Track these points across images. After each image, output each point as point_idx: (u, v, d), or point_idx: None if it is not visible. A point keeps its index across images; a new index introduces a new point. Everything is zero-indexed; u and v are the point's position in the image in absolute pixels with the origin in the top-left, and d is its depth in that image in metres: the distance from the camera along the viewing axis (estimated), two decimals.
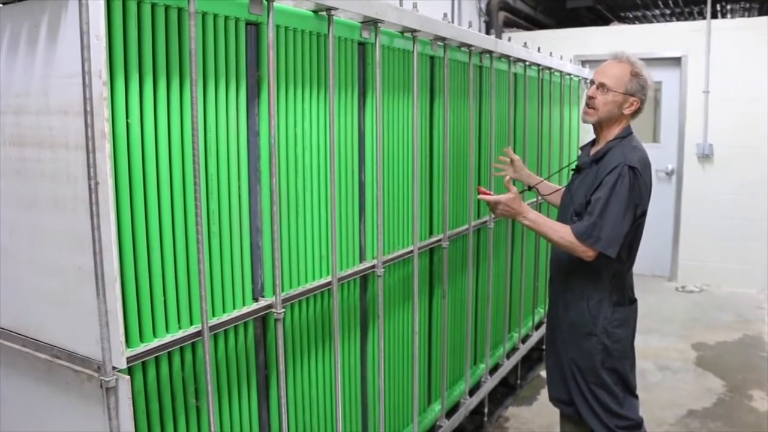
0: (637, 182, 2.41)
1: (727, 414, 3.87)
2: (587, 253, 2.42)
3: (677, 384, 4.32)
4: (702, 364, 4.67)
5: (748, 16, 7.98)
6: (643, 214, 2.49)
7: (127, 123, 1.50)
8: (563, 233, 2.44)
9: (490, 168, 3.42)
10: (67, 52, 1.47)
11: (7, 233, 1.75)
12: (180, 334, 1.67)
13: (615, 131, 2.56)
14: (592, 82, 2.56)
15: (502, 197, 2.54)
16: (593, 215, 2.39)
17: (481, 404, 3.57)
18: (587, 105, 2.57)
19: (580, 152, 2.83)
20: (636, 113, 2.56)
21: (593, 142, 2.69)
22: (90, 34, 1.38)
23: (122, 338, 1.50)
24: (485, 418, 3.66)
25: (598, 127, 2.60)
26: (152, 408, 1.64)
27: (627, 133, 2.55)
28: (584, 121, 2.63)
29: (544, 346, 2.95)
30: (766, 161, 6.28)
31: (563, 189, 2.96)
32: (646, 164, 2.48)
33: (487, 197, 2.58)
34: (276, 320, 1.95)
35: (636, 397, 2.67)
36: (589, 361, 2.57)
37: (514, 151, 3.76)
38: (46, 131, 1.57)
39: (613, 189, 2.38)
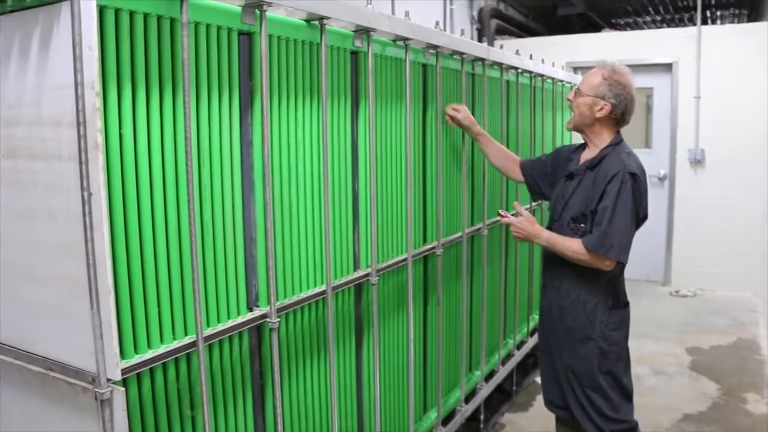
0: (638, 188, 2.48)
1: (723, 417, 3.88)
2: (604, 262, 2.47)
3: (672, 388, 4.33)
4: (697, 368, 4.68)
5: (738, 22, 8.04)
6: (645, 217, 2.55)
7: (120, 134, 1.50)
8: (576, 248, 2.50)
9: (483, 175, 3.43)
10: (59, 62, 1.46)
11: (0, 245, 1.74)
12: (174, 344, 1.66)
13: (605, 138, 2.61)
14: None
15: (514, 219, 2.67)
16: (602, 225, 2.44)
17: (477, 411, 3.56)
18: (570, 110, 2.68)
19: (563, 152, 2.85)
20: (618, 119, 2.58)
21: (582, 148, 2.72)
22: (82, 44, 1.38)
23: (116, 350, 1.50)
24: (481, 425, 3.66)
25: (584, 134, 2.66)
26: (147, 419, 1.63)
27: (618, 140, 2.61)
28: (567, 128, 2.75)
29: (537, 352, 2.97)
30: (758, 165, 6.32)
31: (508, 152, 3.14)
32: (643, 170, 2.55)
33: (505, 219, 2.73)
34: (271, 330, 1.94)
35: (631, 400, 2.67)
36: (586, 366, 2.58)
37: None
38: (39, 142, 1.57)
39: (618, 197, 2.44)
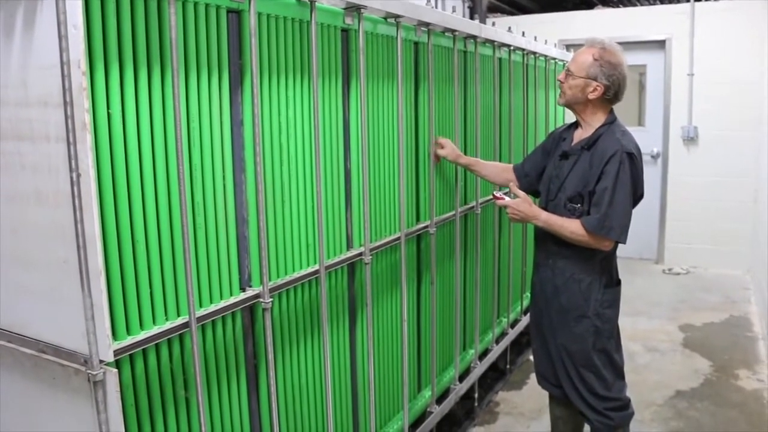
0: (635, 167, 2.49)
1: (714, 393, 3.92)
2: (603, 243, 2.49)
3: (665, 365, 4.36)
4: (689, 345, 4.71)
5: None
6: (642, 196, 2.56)
7: (108, 113, 1.48)
8: (574, 228, 2.50)
9: (476, 152, 3.41)
10: (44, 42, 1.44)
11: None
12: (167, 325, 1.66)
13: (600, 117, 2.59)
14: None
15: (510, 201, 2.66)
16: (602, 206, 2.44)
17: (471, 390, 3.59)
18: (560, 89, 2.66)
19: (556, 132, 2.83)
20: (611, 99, 2.56)
21: (575, 126, 2.71)
22: (67, 23, 1.36)
23: (108, 331, 1.49)
24: (475, 404, 3.68)
25: (577, 113, 2.64)
26: (141, 401, 1.63)
27: (612, 119, 2.60)
28: (558, 104, 2.74)
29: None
30: (751, 142, 6.32)
31: (502, 165, 3.12)
32: (638, 149, 2.56)
33: (501, 201, 2.71)
34: (264, 310, 1.94)
35: (623, 378, 2.69)
36: (581, 344, 2.60)
37: (500, 138, 3.77)
38: (26, 123, 1.55)
39: (617, 178, 2.44)
